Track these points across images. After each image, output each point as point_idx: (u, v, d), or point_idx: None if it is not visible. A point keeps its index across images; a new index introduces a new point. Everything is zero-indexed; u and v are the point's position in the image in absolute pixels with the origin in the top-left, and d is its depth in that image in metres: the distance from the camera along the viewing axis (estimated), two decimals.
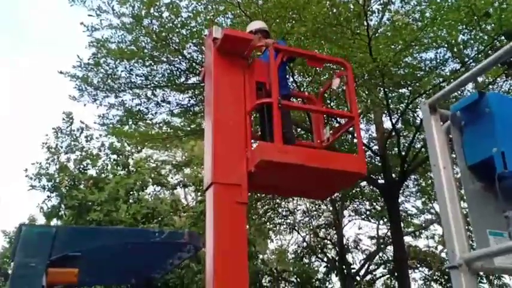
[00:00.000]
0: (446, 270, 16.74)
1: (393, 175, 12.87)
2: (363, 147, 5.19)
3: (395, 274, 14.72)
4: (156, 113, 12.50)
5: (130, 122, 12.82)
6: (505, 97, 2.42)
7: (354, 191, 16.05)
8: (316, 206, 18.58)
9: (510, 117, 2.26)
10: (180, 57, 10.92)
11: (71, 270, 2.21)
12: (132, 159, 16.06)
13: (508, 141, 2.19)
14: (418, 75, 10.68)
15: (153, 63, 11.09)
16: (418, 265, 18.46)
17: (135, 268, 3.85)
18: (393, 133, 12.39)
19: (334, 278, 17.09)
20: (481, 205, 2.25)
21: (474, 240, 2.15)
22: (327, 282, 16.68)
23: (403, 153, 12.19)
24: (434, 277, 17.79)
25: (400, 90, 11.77)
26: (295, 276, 16.33)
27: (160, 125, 13.33)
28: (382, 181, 12.99)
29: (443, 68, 10.94)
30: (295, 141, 5.77)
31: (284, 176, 4.70)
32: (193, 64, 11.19)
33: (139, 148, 16.01)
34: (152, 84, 11.64)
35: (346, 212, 18.78)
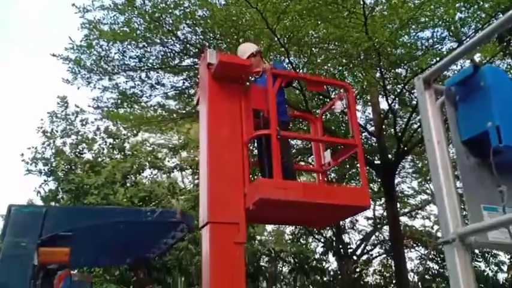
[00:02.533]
0: (440, 246, 16.96)
1: (389, 156, 12.90)
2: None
3: (392, 253, 14.86)
4: (150, 95, 12.42)
5: (125, 105, 12.74)
6: (500, 70, 2.38)
7: (350, 173, 16.09)
8: (311, 167, 18.60)
9: (505, 91, 2.23)
10: (174, 38, 10.79)
11: (62, 250, 2.19)
12: (128, 143, 16.04)
13: (503, 115, 2.15)
14: (415, 54, 10.60)
15: (146, 45, 10.96)
16: (414, 244, 18.64)
17: (130, 248, 3.85)
18: (389, 114, 12.37)
19: (331, 258, 17.26)
20: (475, 180, 2.23)
21: (468, 215, 2.13)
22: (324, 262, 16.84)
23: (399, 133, 12.18)
24: (430, 256, 17.98)
25: (397, 70, 11.71)
26: (293, 256, 16.47)
27: (155, 107, 13.26)
28: (379, 162, 13.01)
29: (440, 47, 10.87)
30: (295, 169, 5.60)
31: (284, 210, 4.57)
32: (187, 45, 11.07)
33: (135, 132, 15.97)
34: (146, 67, 11.53)
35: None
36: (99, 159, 15.22)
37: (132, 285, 14.99)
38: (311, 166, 8.99)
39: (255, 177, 7.65)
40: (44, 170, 13.98)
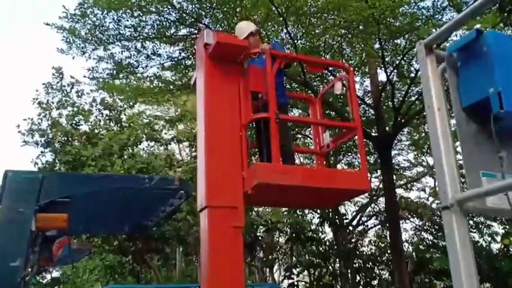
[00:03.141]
0: (436, 217, 17.17)
1: (387, 128, 12.90)
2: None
3: (387, 224, 15.04)
4: (146, 66, 12.28)
5: (121, 76, 12.61)
6: (504, 36, 2.33)
7: (347, 145, 16.13)
8: (310, 161, 18.71)
9: (508, 56, 2.19)
10: (169, 7, 10.59)
11: (60, 216, 2.19)
12: (125, 114, 15.95)
13: (505, 81, 2.13)
14: (415, 25, 10.47)
15: (141, 14, 10.76)
16: (409, 216, 18.87)
17: (128, 216, 3.87)
18: (388, 85, 12.30)
19: (327, 229, 17.47)
20: (475, 147, 2.22)
21: (467, 181, 2.14)
22: (320, 233, 17.05)
23: (397, 105, 12.16)
24: (425, 227, 18.23)
25: (396, 41, 11.58)
26: (289, 227, 16.66)
27: (152, 79, 13.14)
28: (376, 134, 13.02)
29: (440, 17, 10.73)
30: (294, 152, 5.52)
31: (283, 195, 4.52)
32: (183, 15, 10.87)
33: (131, 103, 15.87)
34: (141, 36, 11.35)
35: (339, 166, 18.95)
36: (96, 131, 15.18)
37: (131, 254, 15.18)
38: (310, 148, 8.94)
39: (254, 159, 7.63)
40: (40, 141, 13.94)
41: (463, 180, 2.21)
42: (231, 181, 4.12)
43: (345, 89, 5.02)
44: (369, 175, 18.89)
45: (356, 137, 4.85)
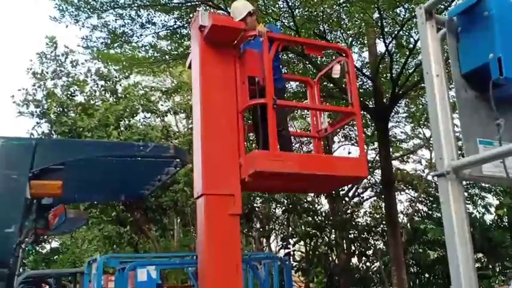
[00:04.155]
0: (434, 183, 17.31)
1: (384, 100, 12.85)
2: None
3: (382, 196, 15.17)
4: (141, 35, 12.09)
5: (115, 46, 12.41)
6: (506, 0, 2.28)
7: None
8: (307, 133, 18.70)
9: (510, 22, 2.14)
10: None
11: (55, 183, 2.17)
12: (120, 85, 15.81)
13: (505, 47, 2.09)
14: None
15: None
16: (405, 188, 19.03)
17: (124, 185, 3.86)
18: (386, 56, 12.18)
19: (323, 200, 17.62)
20: (473, 114, 2.20)
21: (464, 149, 2.12)
22: (316, 204, 17.20)
23: (395, 76, 12.07)
24: (420, 199, 18.40)
25: (396, 11, 11.39)
26: (285, 198, 16.79)
27: (147, 48, 12.95)
28: (373, 106, 12.97)
29: None
30: (291, 137, 5.41)
31: (280, 181, 4.48)
32: None
33: (126, 74, 15.70)
34: (136, 4, 11.11)
35: (336, 138, 18.97)
36: (92, 102, 15.06)
37: (129, 225, 15.32)
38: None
39: (251, 142, 7.58)
40: (35, 112, 13.83)
41: (460, 153, 2.20)
42: (227, 168, 4.07)
43: (343, 71, 4.91)
44: (365, 147, 18.99)
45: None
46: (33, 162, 2.16)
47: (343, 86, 12.03)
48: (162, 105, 17.75)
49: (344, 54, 5.09)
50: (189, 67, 4.84)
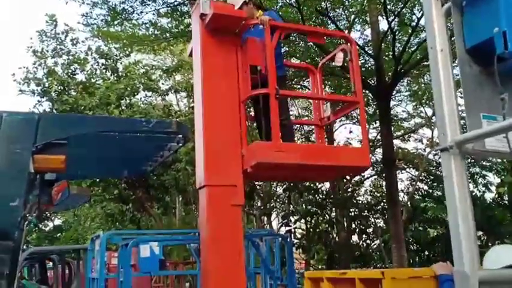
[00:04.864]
0: (435, 162, 17.34)
1: (386, 79, 12.78)
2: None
3: (383, 175, 15.23)
4: (141, 12, 11.94)
5: (115, 23, 12.29)
6: None
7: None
8: (308, 112, 18.66)
9: None
10: None
11: (58, 157, 2.18)
12: (121, 64, 15.74)
13: (510, 20, 2.06)
14: None
15: None
16: (406, 166, 19.08)
17: (126, 161, 3.88)
18: (389, 33, 12.06)
19: None
20: (477, 89, 2.19)
21: (467, 124, 2.12)
22: (317, 182, 17.28)
23: (397, 55, 11.98)
24: (420, 177, 18.47)
25: None
26: None
27: (147, 26, 12.82)
28: (375, 84, 12.90)
29: None
30: (293, 127, 5.37)
31: (283, 171, 4.47)
32: None
33: (127, 52, 15.60)
34: None
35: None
36: (92, 81, 15.03)
37: (131, 203, 15.44)
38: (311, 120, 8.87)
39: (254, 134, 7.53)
40: (36, 90, 13.84)
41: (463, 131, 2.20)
42: (229, 159, 4.05)
43: (347, 59, 4.84)
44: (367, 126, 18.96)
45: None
46: (36, 137, 2.17)
47: (345, 64, 11.95)
48: (163, 83, 17.70)
49: (347, 42, 5.00)
50: (190, 55, 4.79)
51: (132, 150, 3.37)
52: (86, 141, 2.74)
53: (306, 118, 18.95)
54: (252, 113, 5.38)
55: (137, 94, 15.71)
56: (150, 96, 17.28)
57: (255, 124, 5.65)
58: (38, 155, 2.17)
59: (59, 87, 13.92)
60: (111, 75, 15.29)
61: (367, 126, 19.03)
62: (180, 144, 3.27)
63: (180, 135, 3.03)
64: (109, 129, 2.54)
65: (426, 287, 3.10)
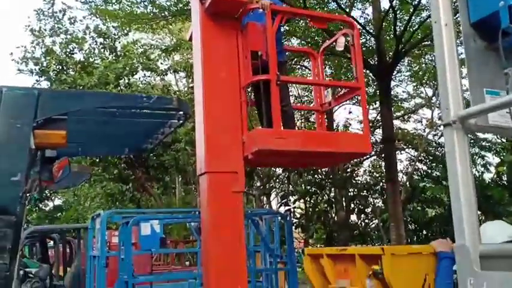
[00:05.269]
0: (434, 142, 17.37)
1: (387, 58, 12.70)
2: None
3: (382, 155, 15.25)
4: None
5: (113, 1, 12.13)
6: None
7: (346, 77, 15.96)
8: (308, 92, 18.59)
9: None
10: None
11: (59, 132, 2.16)
12: (119, 43, 15.61)
13: None
14: None
15: None
16: (405, 147, 19.10)
17: (127, 138, 3.86)
18: (390, 11, 11.93)
19: None
20: (481, 64, 2.17)
21: (470, 99, 2.10)
22: None
23: (399, 34, 11.87)
24: (420, 158, 18.51)
25: None
26: None
27: (145, 3, 12.66)
28: (376, 64, 12.81)
29: None
30: (293, 113, 5.32)
31: (284, 158, 4.45)
32: None
33: (125, 31, 15.46)
34: None
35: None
36: (91, 60, 14.93)
37: (131, 182, 15.49)
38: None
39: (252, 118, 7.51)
40: (35, 69, 13.77)
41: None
42: (230, 146, 4.02)
43: (348, 44, 4.78)
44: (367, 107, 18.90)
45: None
46: (37, 112, 2.15)
47: (346, 43, 11.82)
48: (161, 63, 17.59)
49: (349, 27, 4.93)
50: (190, 39, 4.72)
51: (132, 127, 3.36)
52: (86, 118, 2.73)
53: (306, 99, 18.93)
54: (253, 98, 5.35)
55: (136, 74, 15.64)
56: (149, 76, 17.20)
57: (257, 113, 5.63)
58: (38, 131, 2.15)
59: (57, 67, 13.85)
60: (109, 54, 15.19)
61: (367, 107, 19.02)
62: (181, 121, 3.26)
63: (181, 112, 3.01)
64: (109, 105, 2.53)
65: (425, 263, 3.14)
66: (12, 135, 2.09)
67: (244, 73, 4.21)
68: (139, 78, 16.41)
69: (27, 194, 2.15)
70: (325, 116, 5.62)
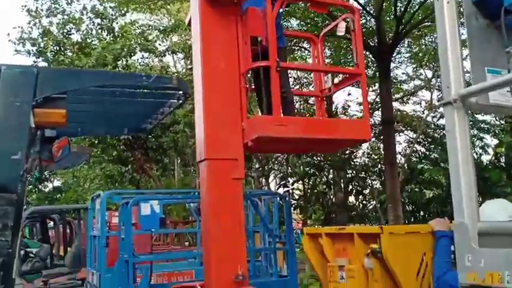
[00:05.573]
0: (433, 124, 17.38)
1: (387, 39, 12.60)
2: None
3: (381, 137, 15.27)
4: None
5: None
6: None
7: (345, 59, 15.87)
8: (307, 74, 18.49)
9: None
10: None
11: (59, 111, 2.16)
12: (117, 23, 15.45)
13: None
14: None
15: None
16: (404, 128, 19.11)
17: (127, 118, 3.85)
18: None
19: None
20: (483, 43, 2.15)
21: (471, 78, 2.10)
22: None
23: (399, 15, 11.77)
24: (418, 140, 18.54)
25: None
26: None
27: None
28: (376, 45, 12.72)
29: None
30: (293, 99, 5.29)
31: (283, 144, 4.46)
32: None
33: (123, 11, 15.29)
34: None
35: (336, 79, 18.78)
36: (88, 41, 14.81)
37: (130, 164, 15.52)
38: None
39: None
40: (32, 50, 13.67)
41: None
42: (230, 132, 4.01)
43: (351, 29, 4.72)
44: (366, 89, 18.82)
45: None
46: (36, 91, 2.14)
47: (346, 25, 11.69)
48: (160, 44, 17.44)
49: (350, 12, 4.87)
50: (189, 24, 4.67)
51: (131, 107, 3.35)
52: (85, 97, 2.72)
53: (305, 81, 18.84)
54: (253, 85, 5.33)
55: (134, 55, 15.52)
56: (147, 57, 17.08)
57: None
58: (38, 109, 2.15)
59: (55, 48, 13.75)
60: (107, 35, 15.06)
61: (367, 89, 18.95)
62: (180, 101, 3.25)
63: (180, 92, 3.00)
64: (109, 83, 2.51)
65: (423, 242, 3.17)
66: (12, 113, 2.08)
67: (244, 59, 4.19)
68: (138, 59, 16.30)
69: (28, 172, 2.15)
70: (325, 99, 5.61)
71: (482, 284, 1.67)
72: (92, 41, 14.80)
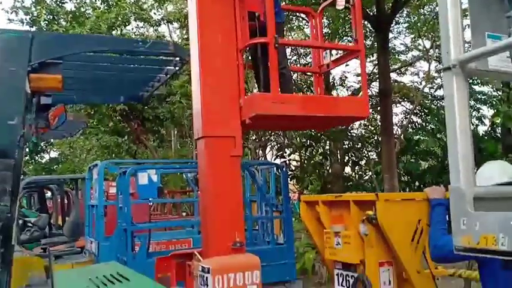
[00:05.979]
0: (430, 95, 17.37)
1: (386, 8, 12.41)
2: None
3: (378, 108, 15.25)
4: None
5: None
6: None
7: (343, 28, 15.68)
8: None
9: None
10: None
11: (55, 76, 2.13)
12: None
13: None
14: None
15: None
16: (401, 100, 19.07)
17: (122, 86, 3.83)
18: None
19: None
20: (483, 8, 2.13)
21: (471, 43, 2.08)
22: None
23: None
24: (415, 111, 18.54)
25: None
26: None
27: None
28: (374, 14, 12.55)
29: None
30: (291, 75, 5.18)
31: (281, 121, 4.44)
32: None
33: None
34: None
35: (333, 52, 18.58)
36: (82, 10, 14.57)
37: (126, 135, 15.50)
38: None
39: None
40: (25, 19, 13.45)
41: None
42: (227, 110, 4.00)
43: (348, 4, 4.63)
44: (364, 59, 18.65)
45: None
46: (31, 56, 2.11)
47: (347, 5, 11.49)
48: (155, 13, 17.18)
49: None
50: None
51: (127, 74, 3.32)
52: (81, 64, 2.69)
53: (302, 51, 18.62)
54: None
55: (128, 24, 15.29)
56: (142, 27, 16.84)
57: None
58: (33, 75, 2.12)
59: (48, 17, 13.53)
60: (101, 4, 14.81)
61: (365, 59, 18.78)
62: (177, 68, 3.22)
63: (177, 58, 2.97)
64: (105, 48, 2.47)
65: (418, 209, 3.22)
66: (7, 78, 2.06)
67: (242, 35, 4.14)
68: (132, 29, 16.07)
69: (25, 138, 2.15)
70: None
71: (476, 246, 1.70)
72: (86, 10, 14.56)
